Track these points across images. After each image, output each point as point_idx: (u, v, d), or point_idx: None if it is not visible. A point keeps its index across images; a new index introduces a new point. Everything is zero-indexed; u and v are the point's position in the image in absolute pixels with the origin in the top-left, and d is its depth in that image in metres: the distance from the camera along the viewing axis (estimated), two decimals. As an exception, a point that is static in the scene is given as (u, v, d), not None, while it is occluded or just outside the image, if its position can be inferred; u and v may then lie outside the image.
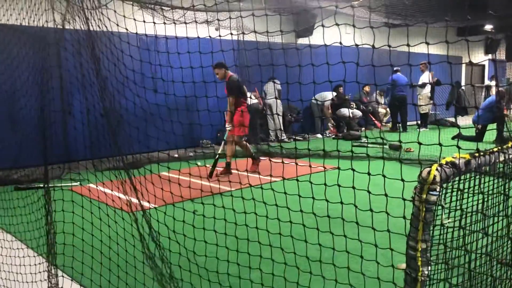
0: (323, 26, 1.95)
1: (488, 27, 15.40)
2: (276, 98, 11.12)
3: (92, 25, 2.73)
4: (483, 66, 19.91)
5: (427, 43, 1.63)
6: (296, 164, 2.33)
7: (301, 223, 2.35)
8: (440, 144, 1.82)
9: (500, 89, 11.25)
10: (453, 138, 7.84)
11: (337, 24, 1.83)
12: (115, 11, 2.97)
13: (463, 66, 16.83)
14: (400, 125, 12.74)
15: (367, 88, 13.55)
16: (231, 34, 2.76)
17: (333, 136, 12.21)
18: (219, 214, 2.81)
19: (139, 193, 2.75)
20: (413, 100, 13.17)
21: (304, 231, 2.39)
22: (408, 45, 1.63)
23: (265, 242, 2.60)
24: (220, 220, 2.77)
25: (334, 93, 12.05)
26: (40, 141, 3.20)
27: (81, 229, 3.20)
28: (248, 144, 7.56)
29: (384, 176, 1.90)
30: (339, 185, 2.11)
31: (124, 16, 2.93)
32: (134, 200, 2.96)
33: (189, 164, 3.06)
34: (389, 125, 13.84)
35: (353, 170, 2.03)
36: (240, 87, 7.13)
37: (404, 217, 1.80)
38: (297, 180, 2.30)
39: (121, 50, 2.90)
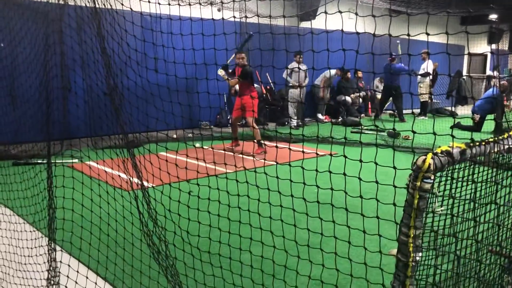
0: (325, 13, 1.96)
1: (493, 16, 15.30)
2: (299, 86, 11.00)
3: (97, 3, 2.72)
4: (485, 56, 19.83)
5: (427, 34, 1.65)
6: (290, 149, 2.36)
7: (292, 207, 2.40)
8: (434, 133, 1.85)
9: (502, 82, 11.23)
10: (451, 127, 7.89)
11: (340, 12, 1.84)
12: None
13: (465, 55, 16.75)
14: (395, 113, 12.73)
15: (359, 74, 13.49)
16: (234, 17, 2.76)
17: (327, 121, 12.20)
18: (213, 195, 2.86)
19: (141, 172, 2.78)
20: (410, 89, 13.06)
21: (294, 216, 2.44)
22: (408, 35, 1.65)
23: (256, 225, 2.65)
24: (214, 202, 2.82)
25: (333, 71, 12.00)
26: (41, 118, 3.21)
27: (80, 205, 3.25)
28: (257, 127, 7.91)
29: (376, 163, 1.93)
30: (330, 172, 2.14)
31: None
32: (134, 179, 3.00)
33: (186, 145, 3.08)
34: (389, 112, 13.86)
35: (345, 156, 2.06)
36: (252, 75, 7.77)
37: (394, 204, 1.84)
38: (289, 165, 2.33)
39: (125, 29, 2.90)
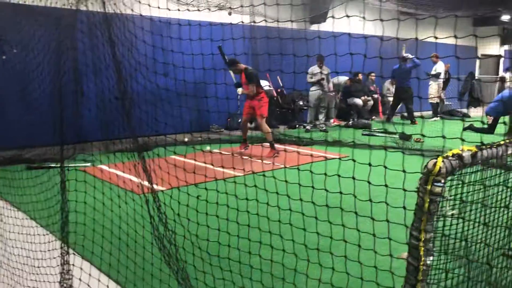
0: (333, 17, 1.96)
1: (505, 17, 15.13)
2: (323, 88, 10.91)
3: (108, 8, 2.76)
4: (499, 56, 19.60)
5: (435, 37, 1.65)
6: (298, 152, 2.36)
7: (301, 211, 2.40)
8: (443, 137, 1.84)
9: None
10: (464, 129, 7.77)
11: (347, 16, 1.84)
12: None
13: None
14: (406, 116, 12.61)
15: (372, 76, 13.41)
16: (242, 22, 2.78)
17: (341, 125, 12.13)
18: (222, 199, 2.87)
19: (151, 176, 2.81)
20: (419, 90, 12.92)
21: (303, 219, 2.44)
22: (416, 39, 1.65)
23: (265, 229, 2.65)
24: (222, 206, 2.84)
25: (343, 79, 11.99)
26: (55, 122, 3.26)
27: (92, 208, 3.28)
28: (269, 129, 7.86)
29: (385, 167, 1.92)
30: (339, 176, 2.14)
31: (139, 1, 2.96)
32: (145, 183, 3.03)
33: (194, 149, 3.10)
34: (400, 114, 13.76)
35: (354, 160, 2.05)
36: (256, 75, 7.61)
37: (404, 207, 1.83)
38: (298, 169, 2.33)
39: (134, 35, 2.94)
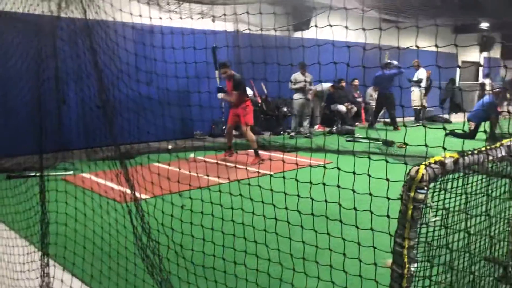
0: (316, 26, 1.96)
1: (484, 25, 15.45)
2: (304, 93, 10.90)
3: (89, 16, 2.73)
4: (478, 63, 19.98)
5: (417, 47, 1.66)
6: (283, 161, 2.35)
7: (286, 220, 2.39)
8: (426, 145, 1.86)
9: (496, 90, 11.29)
10: (446, 135, 7.89)
11: (330, 26, 1.85)
12: (111, 5, 2.98)
13: (459, 63, 16.90)
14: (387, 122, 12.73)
15: (356, 82, 13.53)
16: (226, 31, 2.77)
17: (325, 131, 12.19)
18: (206, 208, 2.84)
19: (133, 185, 2.77)
20: (402, 96, 13.04)
21: (288, 227, 2.42)
22: (398, 48, 1.66)
23: (250, 238, 2.63)
24: (207, 215, 2.81)
25: (326, 86, 12.04)
26: (34, 131, 3.20)
27: (74, 219, 3.22)
28: (253, 136, 7.84)
29: (369, 175, 1.93)
30: (324, 184, 2.14)
31: (120, 10, 2.93)
32: (127, 190, 2.98)
33: (178, 157, 3.07)
34: (383, 120, 13.90)
35: (339, 169, 2.06)
36: (242, 82, 7.58)
37: (388, 216, 1.83)
38: (283, 177, 2.33)
39: (116, 43, 2.91)
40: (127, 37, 3.07)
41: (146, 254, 2.70)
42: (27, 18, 3.78)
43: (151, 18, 2.90)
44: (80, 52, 2.93)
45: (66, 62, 3.75)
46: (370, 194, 1.89)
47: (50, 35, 3.15)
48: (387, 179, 1.89)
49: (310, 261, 2.42)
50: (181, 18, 3.00)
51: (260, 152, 7.68)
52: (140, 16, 2.76)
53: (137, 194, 2.79)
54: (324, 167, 2.11)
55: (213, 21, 8.62)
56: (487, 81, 17.41)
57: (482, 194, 2.10)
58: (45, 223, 2.68)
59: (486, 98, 11.25)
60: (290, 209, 2.32)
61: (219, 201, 2.65)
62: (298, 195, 2.23)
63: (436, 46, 1.55)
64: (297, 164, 2.23)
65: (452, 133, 9.64)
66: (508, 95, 13.85)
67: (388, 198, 1.81)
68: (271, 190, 2.40)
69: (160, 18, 2.96)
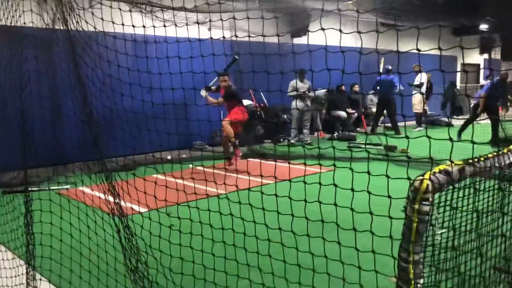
0: (308, 31, 1.88)
1: (483, 26, 15.39)
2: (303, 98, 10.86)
3: (79, 27, 2.66)
4: (478, 65, 19.91)
5: (418, 50, 1.57)
6: (275, 168, 2.26)
7: (290, 229, 2.29)
8: (431, 159, 1.76)
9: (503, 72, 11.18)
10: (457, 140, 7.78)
11: (322, 29, 1.77)
12: (102, 19, 2.91)
13: (458, 66, 16.82)
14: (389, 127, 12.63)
15: (356, 88, 13.44)
16: (223, 37, 2.69)
17: (325, 137, 12.08)
18: (204, 218, 2.74)
19: (121, 198, 2.68)
20: (403, 102, 12.94)
21: (294, 237, 2.32)
22: (398, 52, 1.57)
23: (253, 248, 2.52)
24: (206, 225, 2.71)
25: (321, 92, 11.91)
26: (29, 144, 3.13)
27: (69, 234, 3.13)
28: (229, 145, 7.97)
29: (368, 191, 1.84)
30: (319, 201, 2.05)
31: (112, 22, 2.87)
32: (121, 205, 2.89)
33: (181, 167, 2.98)
34: (384, 125, 13.79)
35: (335, 185, 1.97)
36: (235, 95, 7.80)
37: (390, 236, 1.74)
38: (275, 186, 2.23)
39: (116, 52, 2.84)
40: (126, 48, 3.01)
41: (137, 274, 2.60)
42: (13, 31, 3.69)
43: (144, 26, 2.82)
44: (71, 65, 2.85)
45: (61, 75, 3.69)
46: (370, 211, 1.80)
47: (39, 47, 3.08)
48: (389, 196, 1.80)
49: (320, 273, 2.30)
50: (175, 25, 2.93)
51: (262, 161, 7.58)
52: (133, 26, 2.68)
53: (134, 206, 2.70)
54: (334, 174, 2.01)
55: (209, 29, 8.55)
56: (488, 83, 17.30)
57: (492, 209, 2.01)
58: (32, 245, 2.59)
59: (487, 85, 11.16)
60: (296, 215, 2.23)
61: (218, 210, 2.55)
62: (305, 200, 2.14)
63: (440, 48, 1.46)
64: (289, 171, 2.14)
65: (459, 132, 9.66)
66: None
67: (391, 218, 1.71)
68: (276, 195, 2.32)
69: (154, 26, 2.89)
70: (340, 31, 1.80)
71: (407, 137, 1.96)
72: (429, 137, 1.78)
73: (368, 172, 1.94)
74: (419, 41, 1.66)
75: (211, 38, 2.61)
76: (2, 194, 5.86)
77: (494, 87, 10.30)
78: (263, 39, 2.43)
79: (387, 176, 1.89)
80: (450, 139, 1.74)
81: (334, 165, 2.09)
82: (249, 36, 2.75)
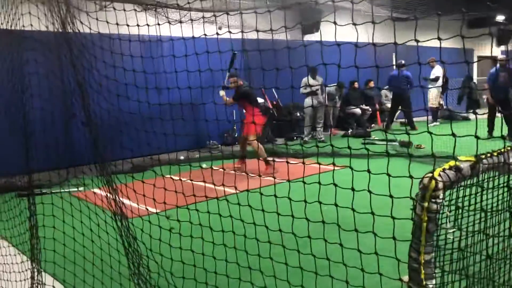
0: (317, 30, 1.82)
1: (500, 17, 15.06)
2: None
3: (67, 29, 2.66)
4: (494, 58, 19.47)
5: (439, 39, 1.52)
6: (288, 166, 2.21)
7: (291, 231, 2.25)
8: (434, 157, 1.70)
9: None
10: (488, 138, 7.62)
11: (335, 23, 1.72)
12: (107, 22, 2.90)
13: (475, 59, 16.48)
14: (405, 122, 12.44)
15: (371, 84, 13.27)
16: (229, 32, 2.64)
17: (339, 134, 11.96)
18: (204, 221, 2.70)
19: (120, 201, 2.67)
20: (418, 97, 12.76)
21: (295, 239, 2.27)
22: (416, 40, 1.51)
23: (252, 252, 2.47)
24: (206, 228, 2.69)
25: (333, 88, 11.78)
26: (47, 146, 3.15)
27: (81, 234, 3.14)
28: (261, 146, 7.70)
29: (371, 192, 1.77)
30: (321, 202, 1.99)
31: (116, 24, 2.87)
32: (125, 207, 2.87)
33: (190, 167, 2.94)
34: (399, 121, 13.60)
35: (336, 186, 1.90)
36: (249, 95, 7.59)
37: (394, 238, 1.67)
38: (304, 182, 2.18)
39: (122, 54, 2.84)
40: (131, 54, 3.02)
41: (141, 278, 2.58)
42: (14, 35, 3.69)
43: (148, 25, 2.80)
44: (71, 67, 2.84)
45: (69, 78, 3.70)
46: (373, 213, 1.74)
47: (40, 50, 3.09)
48: (390, 196, 1.73)
49: (323, 276, 2.25)
50: (180, 22, 2.91)
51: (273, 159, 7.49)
52: (138, 25, 2.66)
53: (143, 207, 2.68)
54: (319, 172, 1.96)
55: (220, 28, 8.53)
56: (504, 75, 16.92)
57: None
58: (37, 249, 2.59)
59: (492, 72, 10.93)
60: (296, 217, 2.18)
61: (218, 212, 2.52)
62: (320, 202, 2.09)
63: (462, 36, 1.41)
64: (318, 169, 2.10)
65: (490, 132, 9.45)
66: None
67: (393, 218, 1.65)
68: (275, 196, 2.30)
69: (158, 24, 2.86)
70: (354, 24, 1.76)
71: (430, 133, 1.87)
72: (454, 135, 1.71)
73: (388, 174, 1.85)
74: (433, 34, 1.60)
75: (229, 32, 2.58)
76: (16, 197, 5.91)
77: (496, 75, 10.11)
78: (271, 35, 2.39)
79: (410, 176, 1.81)
80: (476, 136, 1.66)
81: (350, 166, 2.01)
82: (257, 31, 2.70)
